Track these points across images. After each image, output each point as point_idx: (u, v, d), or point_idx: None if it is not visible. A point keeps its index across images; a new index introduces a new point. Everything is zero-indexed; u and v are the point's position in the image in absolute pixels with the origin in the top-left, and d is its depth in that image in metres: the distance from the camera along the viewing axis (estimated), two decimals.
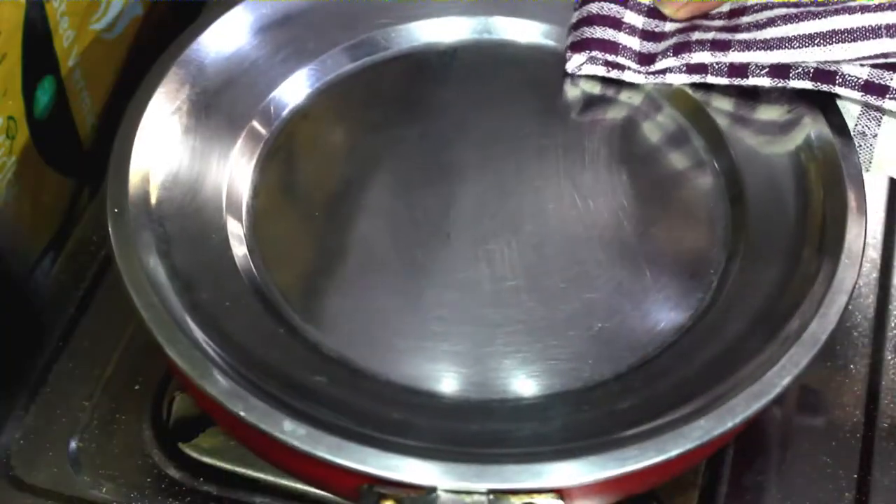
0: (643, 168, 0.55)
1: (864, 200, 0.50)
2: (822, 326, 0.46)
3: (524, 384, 0.47)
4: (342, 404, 0.46)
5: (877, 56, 0.51)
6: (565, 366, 0.48)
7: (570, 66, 0.58)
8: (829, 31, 0.51)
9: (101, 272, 0.61)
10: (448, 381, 0.47)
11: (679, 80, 0.56)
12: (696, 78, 0.55)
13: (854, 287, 0.47)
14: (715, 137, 0.55)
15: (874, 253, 0.60)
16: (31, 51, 0.57)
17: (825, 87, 0.53)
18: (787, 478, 0.53)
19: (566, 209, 0.53)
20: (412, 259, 0.51)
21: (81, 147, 0.65)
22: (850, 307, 0.58)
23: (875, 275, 0.60)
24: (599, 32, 0.57)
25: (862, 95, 0.52)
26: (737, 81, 0.55)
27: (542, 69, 0.59)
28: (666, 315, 0.49)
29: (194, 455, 0.54)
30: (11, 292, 0.61)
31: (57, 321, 0.59)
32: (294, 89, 0.57)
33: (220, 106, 0.55)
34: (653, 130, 0.56)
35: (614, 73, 0.57)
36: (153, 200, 0.51)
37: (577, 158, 0.55)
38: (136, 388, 0.56)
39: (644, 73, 0.57)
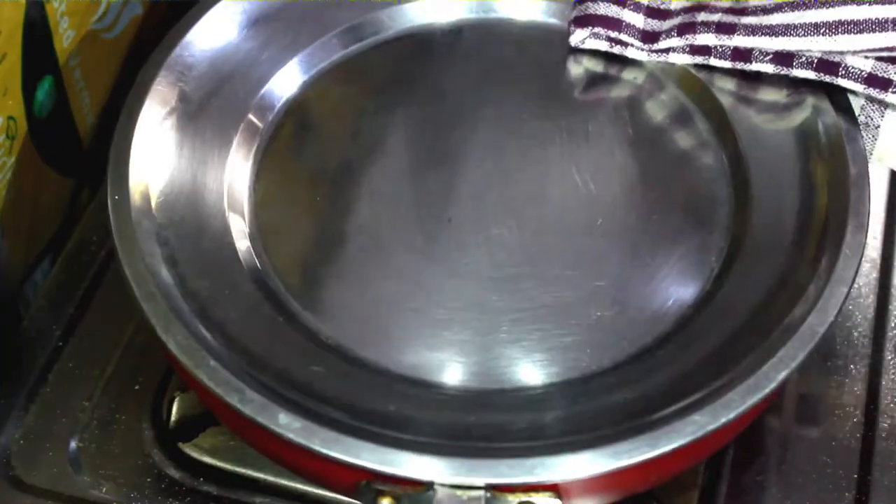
0: (647, 151, 0.54)
1: (868, 189, 0.50)
2: (820, 319, 0.46)
3: (523, 374, 0.47)
4: (339, 396, 0.46)
5: (882, 49, 0.51)
6: (564, 355, 0.48)
7: (573, 41, 0.57)
8: (835, 21, 0.51)
9: (101, 272, 0.60)
10: (447, 371, 0.47)
11: (682, 59, 0.56)
12: (700, 59, 0.55)
13: (854, 279, 0.47)
14: (719, 120, 0.55)
15: (874, 253, 0.60)
16: (31, 51, 0.57)
17: (828, 78, 0.52)
18: (787, 478, 0.53)
19: (568, 193, 0.53)
20: (413, 245, 0.51)
21: (81, 147, 0.65)
22: (850, 307, 0.58)
23: (875, 275, 0.60)
24: (603, 8, 0.56)
25: (865, 88, 0.52)
26: (740, 65, 0.54)
27: (545, 48, 0.58)
28: (666, 304, 0.49)
29: (194, 455, 0.54)
30: (10, 293, 0.61)
31: (57, 321, 0.58)
32: (290, 77, 0.57)
33: (216, 98, 0.55)
34: (656, 112, 0.56)
35: (617, 49, 0.57)
36: (153, 189, 0.51)
37: (581, 140, 0.55)
38: (136, 388, 0.56)
39: (647, 51, 0.56)
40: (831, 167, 0.51)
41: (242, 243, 0.51)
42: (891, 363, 0.57)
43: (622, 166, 0.54)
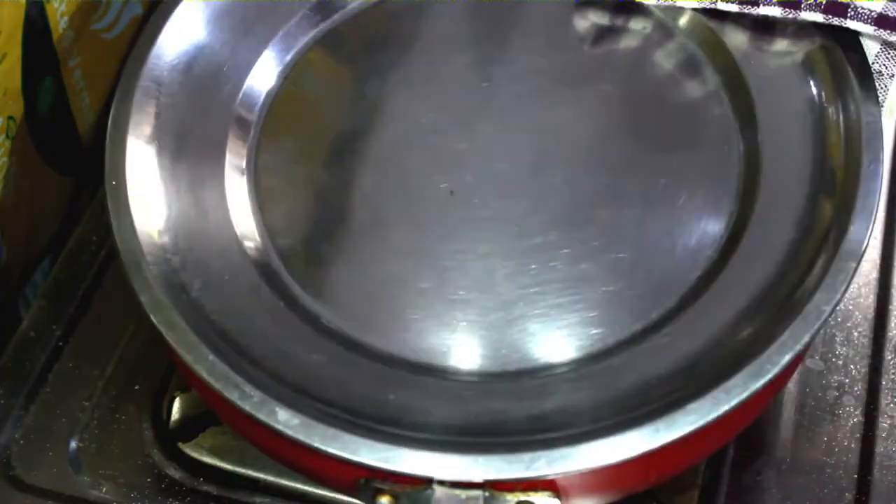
0: (657, 109, 0.52)
1: (881, 151, 0.48)
2: (827, 297, 0.44)
3: (528, 355, 0.46)
4: (339, 386, 0.45)
5: None
6: (568, 332, 0.46)
7: None
8: None
9: (101, 272, 0.60)
10: (449, 354, 0.46)
11: (689, 3, 0.54)
12: (706, 3, 0.53)
13: (864, 252, 0.45)
14: (731, 74, 0.53)
15: (874, 253, 0.60)
16: (31, 51, 0.57)
17: (836, 21, 0.50)
18: (787, 478, 0.53)
19: (576, 158, 0.51)
20: (415, 220, 0.50)
21: (81, 146, 0.65)
22: (850, 307, 0.58)
23: (875, 275, 0.59)
24: None
25: (875, 30, 0.50)
26: (747, 9, 0.52)
27: (548, 1, 0.56)
28: (674, 277, 0.47)
29: (194, 455, 0.54)
30: (10, 293, 0.61)
31: (57, 321, 0.58)
32: (272, 61, 0.55)
33: (200, 101, 0.53)
34: (665, 67, 0.54)
35: None
36: (150, 176, 0.50)
37: (588, 99, 0.53)
38: (136, 388, 0.56)
39: None
40: (845, 129, 0.49)
41: (243, 225, 0.50)
42: (891, 363, 0.57)
43: (632, 127, 0.52)
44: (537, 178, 0.51)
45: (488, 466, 0.41)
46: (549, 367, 0.46)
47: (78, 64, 0.62)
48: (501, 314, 0.47)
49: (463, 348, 0.47)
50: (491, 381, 0.46)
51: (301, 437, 0.42)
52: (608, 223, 0.49)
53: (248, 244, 0.49)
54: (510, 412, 0.44)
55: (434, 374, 0.46)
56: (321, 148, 0.53)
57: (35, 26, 0.57)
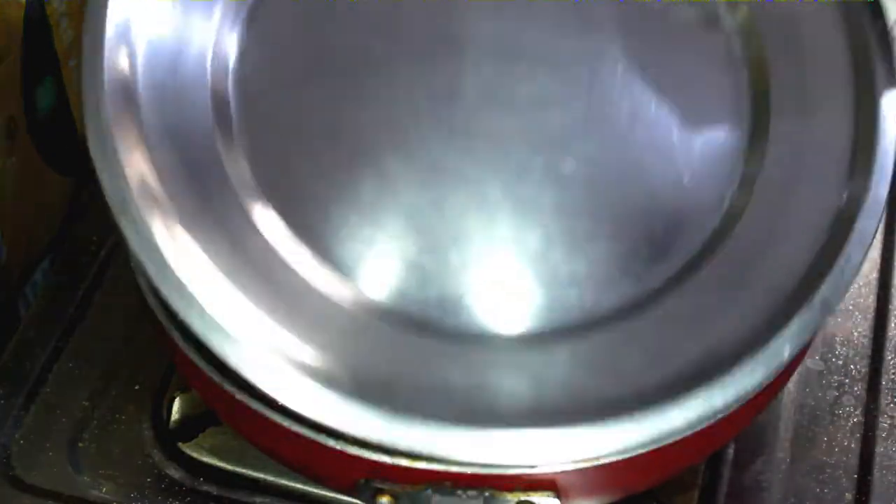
0: (666, 59, 0.49)
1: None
2: (832, 291, 0.43)
3: (519, 317, 0.44)
4: (329, 345, 0.42)
5: None
6: (563, 293, 0.44)
7: None
8: None
9: (101, 272, 0.60)
10: (434, 307, 0.44)
11: None
12: None
13: (874, 236, 0.44)
14: (745, 28, 0.49)
15: (874, 252, 0.60)
16: (31, 51, 0.57)
17: None
18: (787, 478, 0.53)
19: (577, 98, 0.47)
20: (409, 163, 0.46)
21: (81, 147, 0.65)
22: (850, 307, 0.58)
23: (875, 275, 0.59)
24: None
25: None
26: None
27: None
28: (674, 240, 0.45)
29: (194, 455, 0.54)
30: (10, 293, 0.61)
31: (57, 321, 0.58)
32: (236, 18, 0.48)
33: (173, 81, 0.47)
34: (678, 14, 0.50)
35: None
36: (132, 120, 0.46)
37: (596, 35, 0.49)
38: (136, 388, 0.56)
39: None
40: (859, 96, 0.47)
41: (230, 160, 0.45)
42: (891, 363, 0.57)
43: (641, 76, 0.48)
44: (533, 119, 0.47)
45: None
46: (543, 333, 0.44)
47: (78, 64, 0.62)
48: (488, 271, 0.45)
49: (450, 303, 0.44)
50: (480, 342, 0.43)
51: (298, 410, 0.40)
52: (609, 178, 0.46)
53: (237, 181, 0.45)
54: (508, 390, 0.42)
55: (428, 332, 0.43)
56: (312, 86, 0.48)
57: (35, 26, 0.57)
